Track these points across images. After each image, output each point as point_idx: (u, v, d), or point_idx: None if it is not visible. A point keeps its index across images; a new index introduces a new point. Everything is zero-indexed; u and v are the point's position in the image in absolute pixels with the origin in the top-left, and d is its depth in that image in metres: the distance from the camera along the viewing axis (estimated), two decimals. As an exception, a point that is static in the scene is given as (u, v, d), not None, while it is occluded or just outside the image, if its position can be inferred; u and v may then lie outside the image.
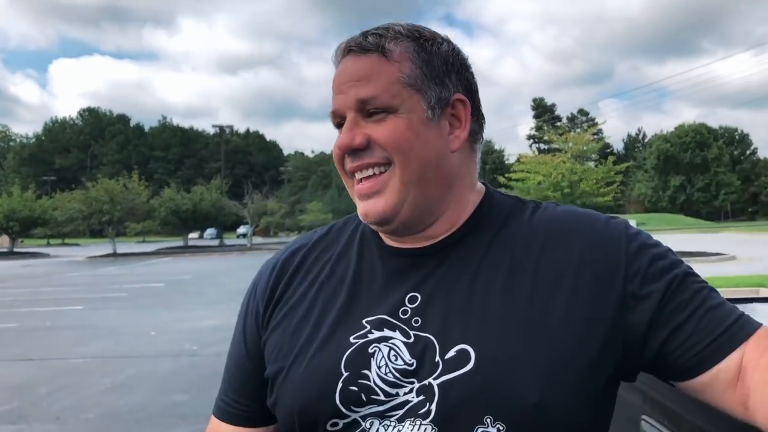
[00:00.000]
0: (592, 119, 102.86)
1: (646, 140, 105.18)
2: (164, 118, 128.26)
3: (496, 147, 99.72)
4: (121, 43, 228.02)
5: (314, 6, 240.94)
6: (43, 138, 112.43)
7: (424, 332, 0.85)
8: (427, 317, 0.86)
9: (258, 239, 52.79)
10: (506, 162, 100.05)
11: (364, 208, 0.92)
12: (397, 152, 0.88)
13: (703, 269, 1.11)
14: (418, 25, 0.95)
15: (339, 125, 0.93)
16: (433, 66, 0.91)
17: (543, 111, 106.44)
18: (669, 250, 0.92)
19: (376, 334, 0.87)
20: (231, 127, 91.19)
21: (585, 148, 23.70)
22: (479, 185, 0.99)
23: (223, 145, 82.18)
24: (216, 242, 53.25)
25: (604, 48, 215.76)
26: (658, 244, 0.92)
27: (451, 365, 0.82)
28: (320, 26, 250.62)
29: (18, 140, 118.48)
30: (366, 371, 0.85)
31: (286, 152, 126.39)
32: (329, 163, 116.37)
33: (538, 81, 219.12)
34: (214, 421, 1.02)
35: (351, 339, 0.88)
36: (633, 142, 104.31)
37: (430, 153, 0.89)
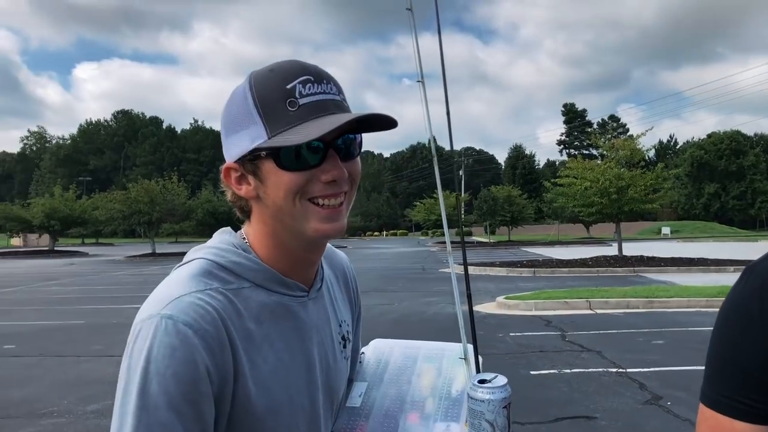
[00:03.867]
0: (624, 125, 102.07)
1: (677, 147, 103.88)
2: (195, 120, 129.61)
3: (527, 152, 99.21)
4: (139, 46, 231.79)
5: (324, 10, 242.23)
6: (78, 139, 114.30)
7: None
8: None
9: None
10: (537, 167, 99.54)
11: None
12: None
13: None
14: None
15: None
16: None
17: (574, 116, 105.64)
18: None
19: None
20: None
21: (629, 153, 23.41)
22: None
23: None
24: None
25: (618, 53, 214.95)
26: None
27: None
28: (331, 30, 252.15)
29: (54, 141, 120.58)
30: None
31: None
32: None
33: (554, 85, 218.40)
34: (725, 420, 1.07)
35: None
36: (665, 149, 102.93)
37: None
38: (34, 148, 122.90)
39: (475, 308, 12.80)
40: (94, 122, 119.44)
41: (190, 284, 0.95)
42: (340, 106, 0.97)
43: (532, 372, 7.25)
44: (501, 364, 7.74)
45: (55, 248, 46.99)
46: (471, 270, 21.26)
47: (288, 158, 0.94)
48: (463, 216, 54.86)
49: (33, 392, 6.77)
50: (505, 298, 13.32)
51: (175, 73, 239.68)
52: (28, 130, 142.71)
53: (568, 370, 7.27)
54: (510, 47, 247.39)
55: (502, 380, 1.05)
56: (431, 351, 1.25)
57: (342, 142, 0.98)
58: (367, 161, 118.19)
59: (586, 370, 7.26)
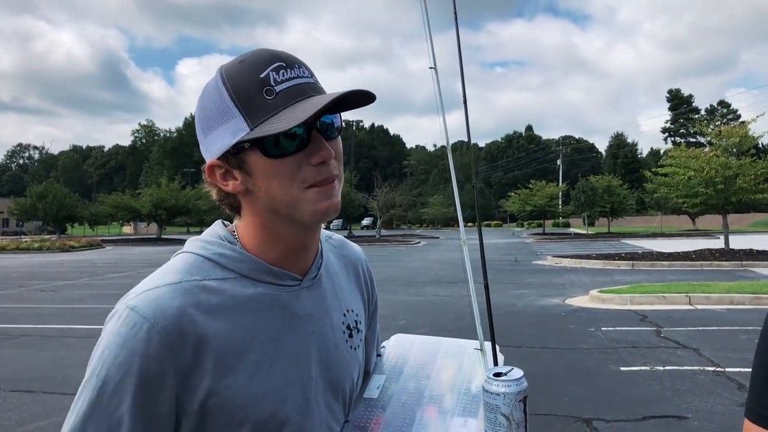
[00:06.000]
0: (734, 111, 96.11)
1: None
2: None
3: (629, 140, 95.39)
4: (236, 42, 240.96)
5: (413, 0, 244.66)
6: (183, 132, 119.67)
7: None
8: None
9: (383, 231, 53.53)
10: (639, 156, 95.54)
11: None
12: None
13: None
14: None
15: None
16: None
17: (680, 103, 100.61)
18: None
19: None
20: (359, 122, 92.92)
21: (738, 140, 22.01)
22: None
23: (352, 139, 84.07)
24: (344, 233, 54.62)
25: (724, 34, 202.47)
26: None
27: None
28: (420, 20, 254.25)
29: (161, 135, 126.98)
30: None
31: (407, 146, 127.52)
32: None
33: (655, 70, 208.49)
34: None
35: None
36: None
37: None
38: (144, 141, 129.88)
39: (567, 302, 12.49)
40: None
41: (167, 277, 0.97)
42: (316, 88, 0.96)
43: (622, 368, 7.00)
44: (589, 359, 7.52)
45: (162, 236, 49.50)
46: (565, 263, 20.72)
47: (274, 146, 0.93)
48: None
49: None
50: (599, 291, 12.91)
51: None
52: (139, 124, 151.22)
53: (661, 368, 6.97)
54: (607, 31, 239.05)
55: (517, 373, 1.02)
56: (452, 347, 1.23)
57: (323, 123, 0.97)
58: (462, 151, 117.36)
59: (681, 368, 6.94)
